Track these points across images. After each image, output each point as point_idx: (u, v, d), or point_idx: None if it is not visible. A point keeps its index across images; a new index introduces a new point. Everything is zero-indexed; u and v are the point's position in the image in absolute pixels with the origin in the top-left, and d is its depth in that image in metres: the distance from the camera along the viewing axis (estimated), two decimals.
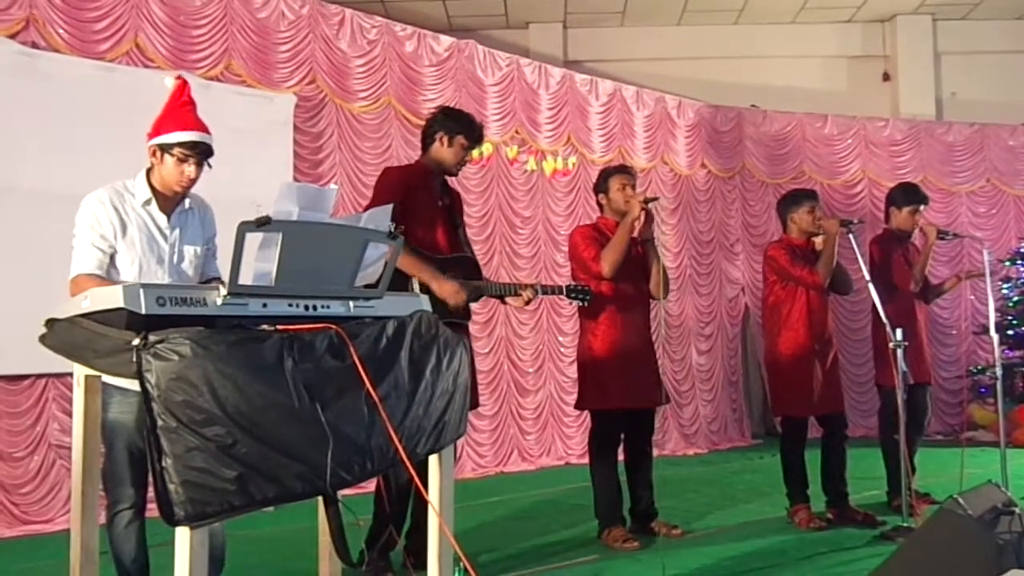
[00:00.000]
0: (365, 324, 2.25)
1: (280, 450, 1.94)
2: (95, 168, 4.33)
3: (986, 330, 4.96)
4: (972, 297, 9.05)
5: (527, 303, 3.87)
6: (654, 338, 4.41)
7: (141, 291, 1.91)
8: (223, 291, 2.03)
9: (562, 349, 7.46)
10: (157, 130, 2.67)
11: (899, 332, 4.13)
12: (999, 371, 4.56)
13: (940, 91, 10.16)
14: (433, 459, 2.51)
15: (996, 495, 2.94)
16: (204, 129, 2.68)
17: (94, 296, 2.05)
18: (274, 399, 1.94)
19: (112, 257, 2.69)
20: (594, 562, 3.86)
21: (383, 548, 3.54)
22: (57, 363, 2.29)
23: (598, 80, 8.05)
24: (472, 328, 3.91)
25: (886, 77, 10.21)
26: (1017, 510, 2.81)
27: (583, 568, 3.77)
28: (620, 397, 4.18)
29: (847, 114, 9.29)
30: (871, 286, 4.45)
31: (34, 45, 5.04)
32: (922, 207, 5.01)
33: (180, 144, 2.63)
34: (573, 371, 7.28)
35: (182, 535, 1.86)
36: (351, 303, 2.31)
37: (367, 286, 2.39)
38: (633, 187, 4.33)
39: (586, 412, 4.52)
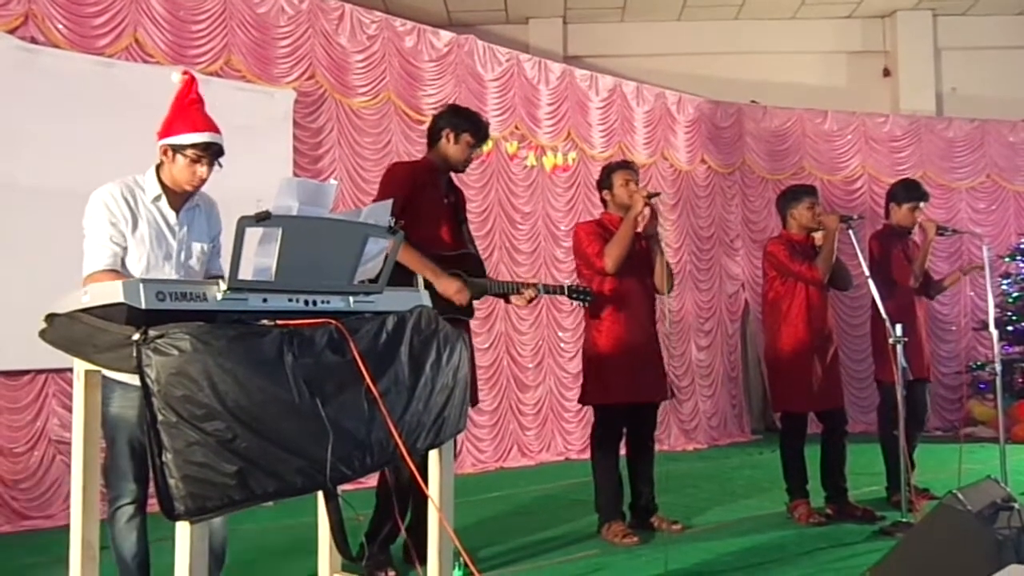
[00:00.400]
0: (365, 319, 2.25)
1: (280, 445, 1.94)
2: (95, 164, 4.33)
3: (985, 326, 4.96)
4: (972, 293, 9.06)
5: (529, 302, 3.87)
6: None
7: (141, 286, 1.91)
8: (223, 286, 2.02)
9: (562, 345, 7.47)
10: (168, 130, 2.63)
11: (899, 328, 4.12)
12: (998, 367, 4.55)
13: (940, 87, 10.16)
14: (433, 454, 2.52)
15: (995, 491, 2.94)
16: (215, 129, 2.65)
17: (94, 291, 2.04)
18: (274, 394, 1.94)
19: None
20: (594, 557, 3.86)
21: (383, 542, 3.54)
22: (57, 358, 2.28)
23: (598, 76, 8.04)
24: (472, 324, 3.91)
25: (886, 73, 10.21)
26: (1016, 506, 2.81)
27: (583, 563, 3.77)
28: (622, 392, 4.18)
29: (847, 110, 9.29)
30: (871, 282, 4.44)
31: (33, 40, 5.03)
32: (922, 203, 5.00)
33: (193, 145, 2.61)
34: (573, 367, 7.31)
35: (182, 530, 1.86)
36: (351, 298, 2.31)
37: (367, 281, 2.39)
38: (636, 183, 4.34)
39: (587, 407, 4.51)
